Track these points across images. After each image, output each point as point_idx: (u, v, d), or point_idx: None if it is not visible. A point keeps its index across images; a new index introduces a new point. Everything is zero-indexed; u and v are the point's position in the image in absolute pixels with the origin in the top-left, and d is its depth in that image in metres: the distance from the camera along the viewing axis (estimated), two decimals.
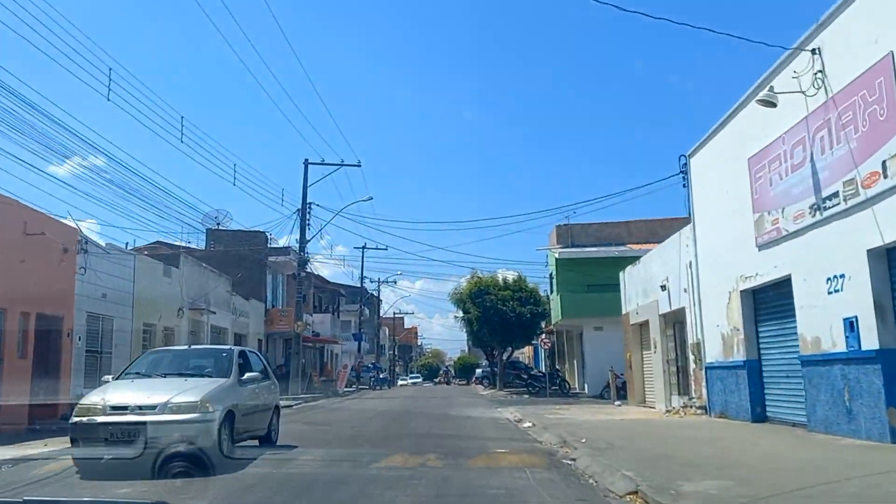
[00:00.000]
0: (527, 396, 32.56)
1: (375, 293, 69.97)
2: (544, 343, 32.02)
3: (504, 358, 38.66)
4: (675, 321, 19.81)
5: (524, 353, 54.19)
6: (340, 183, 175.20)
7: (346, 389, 38.97)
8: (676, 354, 19.81)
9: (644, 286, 22.23)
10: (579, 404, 25.90)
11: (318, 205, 31.96)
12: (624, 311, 24.81)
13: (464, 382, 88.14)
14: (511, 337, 34.87)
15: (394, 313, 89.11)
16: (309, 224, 31.93)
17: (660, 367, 20.68)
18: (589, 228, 37.19)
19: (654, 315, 20.93)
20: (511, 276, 37.27)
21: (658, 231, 36.91)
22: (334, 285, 55.28)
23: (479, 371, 57.31)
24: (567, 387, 33.63)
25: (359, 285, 67.50)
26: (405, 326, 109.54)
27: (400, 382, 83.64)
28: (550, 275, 36.97)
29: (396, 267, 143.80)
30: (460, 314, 42.52)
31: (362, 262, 55.19)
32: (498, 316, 33.87)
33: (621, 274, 25.30)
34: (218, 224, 37.89)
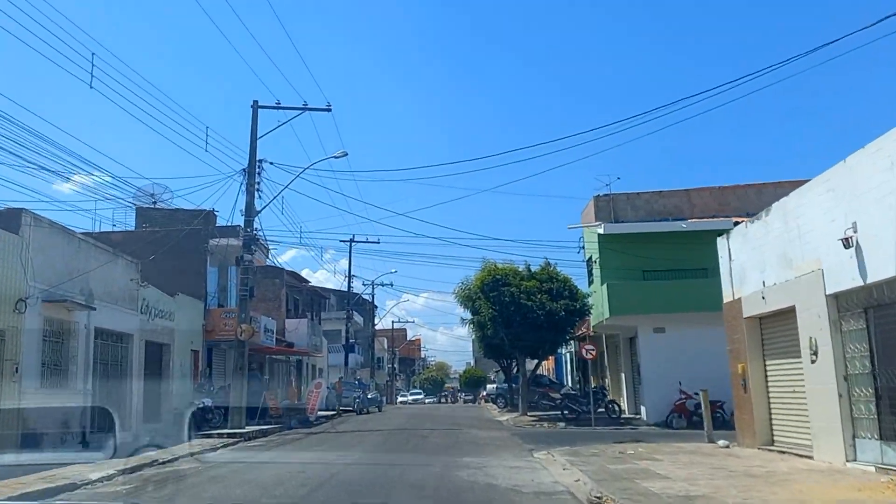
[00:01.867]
0: (562, 425, 23.59)
1: (369, 297, 61.01)
2: (588, 352, 23.14)
3: (528, 370, 29.53)
4: (871, 303, 10.85)
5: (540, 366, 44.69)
6: (307, 140, 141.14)
7: (321, 415, 29.99)
8: (874, 364, 10.82)
9: (781, 250, 13.29)
10: (654, 442, 16.99)
11: (271, 163, 23.01)
12: (729, 298, 15.87)
13: (469, 398, 79.27)
14: (538, 342, 25.89)
15: (392, 322, 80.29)
16: (259, 190, 23.11)
17: (828, 388, 11.68)
18: (637, 200, 28.34)
19: (814, 296, 11.96)
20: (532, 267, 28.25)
21: (730, 201, 28.12)
22: (316, 288, 46.44)
23: (491, 387, 48.08)
24: (617, 411, 24.63)
25: (354, 292, 58.78)
26: (408, 338, 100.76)
27: (399, 399, 74.52)
28: (589, 260, 28.02)
29: (391, 266, 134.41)
30: (468, 316, 33.65)
31: (350, 258, 46.36)
32: (521, 314, 24.91)
33: (721, 241, 16.38)
34: (154, 202, 29.22)
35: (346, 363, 46.08)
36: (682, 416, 22.59)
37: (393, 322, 79.37)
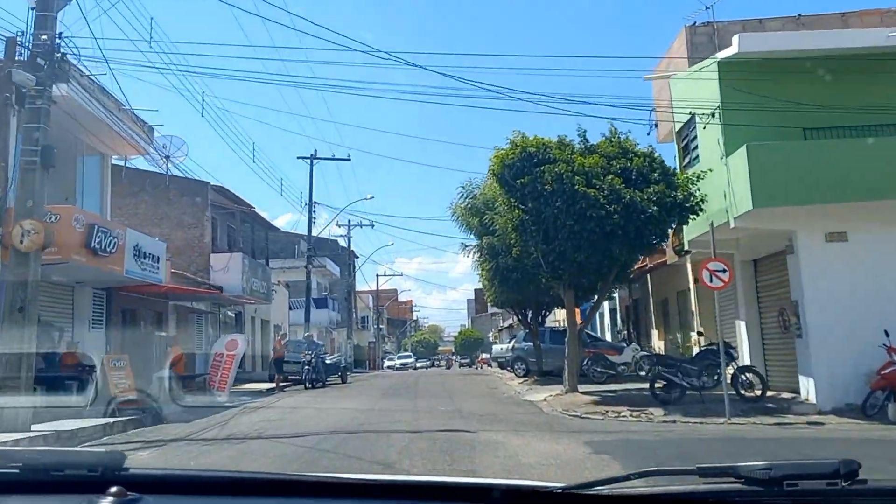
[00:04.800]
0: (660, 413, 12.47)
1: (345, 241, 49.67)
2: (715, 277, 11.86)
3: (575, 320, 17.85)
4: None
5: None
6: None
7: (242, 390, 18.92)
8: None
9: None
10: None
11: None
12: None
13: (466, 361, 69.34)
14: (606, 262, 14.57)
15: (377, 276, 69.12)
16: None
17: None
18: (759, 31, 16.96)
19: None
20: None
21: None
22: (260, 214, 35.05)
23: (500, 348, 36.66)
24: (755, 386, 13.38)
25: (329, 237, 47.34)
26: (399, 300, 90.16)
27: (386, 363, 63.75)
28: (685, 128, 16.40)
29: (366, 190, 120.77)
30: (472, 241, 22.53)
31: (311, 177, 35.02)
32: (574, 214, 13.56)
33: None
34: None
35: (308, 318, 34.94)
36: None
37: (378, 276, 68.18)
